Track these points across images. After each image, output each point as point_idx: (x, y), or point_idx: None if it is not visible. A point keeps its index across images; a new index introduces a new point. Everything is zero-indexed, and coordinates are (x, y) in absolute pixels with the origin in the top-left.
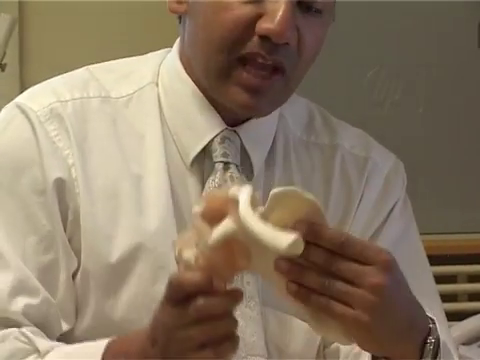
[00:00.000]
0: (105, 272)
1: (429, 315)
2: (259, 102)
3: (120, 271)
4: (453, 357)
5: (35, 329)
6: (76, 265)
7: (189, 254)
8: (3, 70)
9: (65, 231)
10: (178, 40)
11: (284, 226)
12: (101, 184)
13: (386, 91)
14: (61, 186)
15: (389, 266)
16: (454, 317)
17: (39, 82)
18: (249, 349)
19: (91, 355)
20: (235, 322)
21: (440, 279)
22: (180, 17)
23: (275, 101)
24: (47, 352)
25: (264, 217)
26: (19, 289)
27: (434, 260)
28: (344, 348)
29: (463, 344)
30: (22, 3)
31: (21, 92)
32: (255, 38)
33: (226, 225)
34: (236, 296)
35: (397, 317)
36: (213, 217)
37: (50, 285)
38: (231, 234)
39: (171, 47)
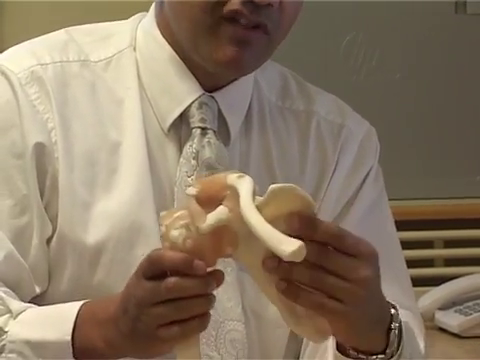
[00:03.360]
0: (82, 237)
1: (390, 301)
2: (245, 56)
3: (97, 237)
4: (415, 336)
5: (8, 290)
6: (50, 230)
7: (177, 234)
8: None
9: (43, 196)
10: (153, 5)
11: (278, 219)
12: (80, 151)
13: (363, 58)
14: (40, 150)
15: (375, 259)
16: (431, 282)
17: None
18: (226, 314)
19: (65, 317)
20: (209, 302)
21: (417, 244)
22: None
23: (259, 57)
24: (20, 312)
25: (259, 209)
26: None
27: (411, 225)
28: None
29: (440, 309)
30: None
31: None
32: (237, 1)
33: (221, 212)
34: (218, 278)
35: (373, 308)
36: (208, 201)
37: (23, 248)
38: (225, 221)
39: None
